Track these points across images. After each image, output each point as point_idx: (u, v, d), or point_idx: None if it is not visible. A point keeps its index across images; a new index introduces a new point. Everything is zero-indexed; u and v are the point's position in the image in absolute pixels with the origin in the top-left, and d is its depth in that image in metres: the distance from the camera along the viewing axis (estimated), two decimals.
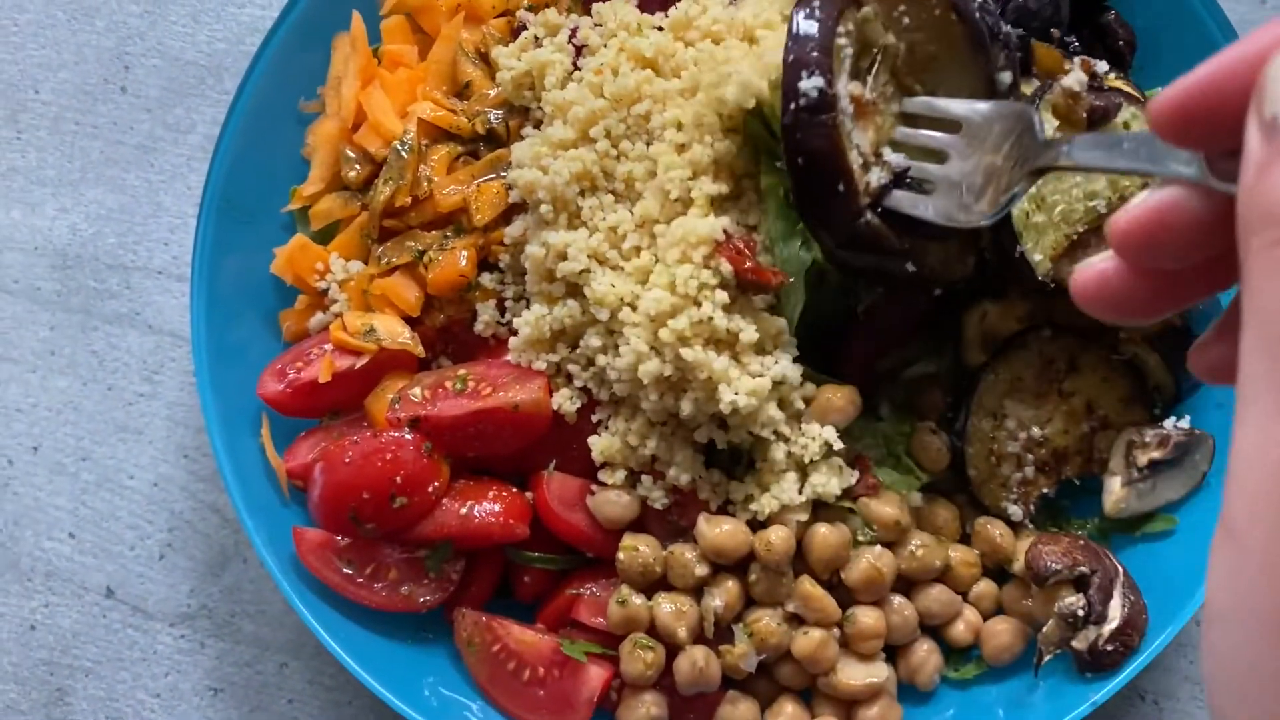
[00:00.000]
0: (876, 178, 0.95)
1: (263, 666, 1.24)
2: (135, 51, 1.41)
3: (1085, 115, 1.04)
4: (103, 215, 1.36)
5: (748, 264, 1.00)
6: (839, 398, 1.02)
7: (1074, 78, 1.03)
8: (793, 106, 0.93)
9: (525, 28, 1.16)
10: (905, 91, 1.00)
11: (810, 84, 0.92)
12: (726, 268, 0.99)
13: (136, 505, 1.28)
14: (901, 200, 0.94)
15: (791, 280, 1.01)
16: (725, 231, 1.00)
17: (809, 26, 0.94)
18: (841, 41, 0.94)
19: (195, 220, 1.27)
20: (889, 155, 0.96)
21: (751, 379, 1.00)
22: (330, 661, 1.22)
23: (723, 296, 0.99)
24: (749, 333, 1.00)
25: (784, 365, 1.03)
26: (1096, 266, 0.61)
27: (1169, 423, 1.06)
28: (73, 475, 1.29)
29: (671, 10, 1.10)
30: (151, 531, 1.28)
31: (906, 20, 0.98)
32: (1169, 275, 0.60)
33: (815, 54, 0.93)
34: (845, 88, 0.94)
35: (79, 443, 1.30)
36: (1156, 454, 1.04)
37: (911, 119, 0.98)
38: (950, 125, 0.93)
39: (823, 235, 0.97)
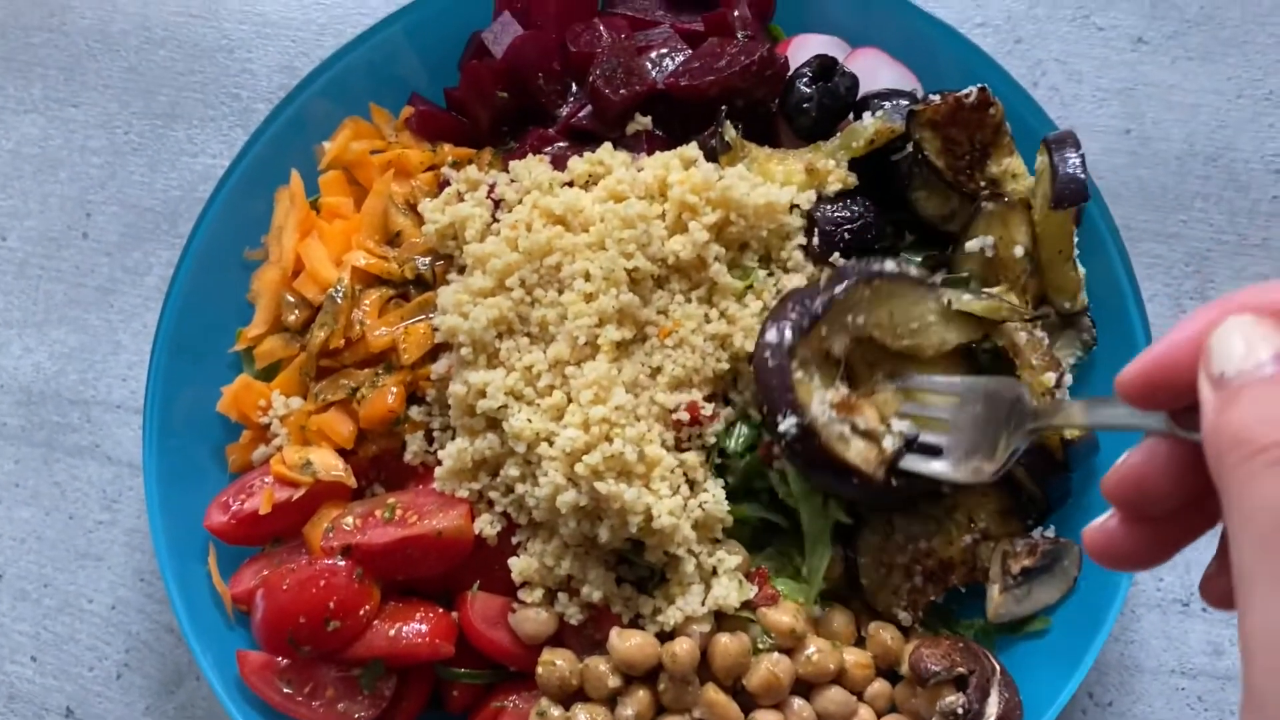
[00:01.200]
0: (890, 444, 1.07)
1: None
2: (96, 200, 1.51)
3: None
4: (65, 354, 1.45)
5: (698, 414, 1.13)
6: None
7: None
8: (783, 443, 1.06)
9: (449, 183, 1.27)
10: (894, 363, 1.12)
11: (788, 424, 1.05)
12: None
13: (95, 628, 1.35)
14: (914, 463, 1.05)
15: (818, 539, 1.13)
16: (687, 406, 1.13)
17: (769, 376, 1.06)
18: (799, 375, 1.06)
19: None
20: (897, 424, 1.07)
21: (668, 502, 1.10)
22: None
23: (640, 430, 1.10)
24: (667, 464, 1.11)
25: (717, 495, 1.13)
26: (1102, 526, 0.71)
27: (1037, 533, 1.15)
28: (35, 601, 1.37)
29: (581, 166, 1.22)
30: (110, 653, 1.35)
31: (860, 319, 1.09)
32: (1160, 524, 0.69)
33: (783, 396, 1.05)
34: (822, 406, 1.06)
35: (41, 569, 1.38)
36: (1028, 562, 1.14)
37: (911, 391, 1.10)
38: (948, 393, 1.05)
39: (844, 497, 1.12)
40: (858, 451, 1.07)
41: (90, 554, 1.37)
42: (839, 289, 1.08)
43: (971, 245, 1.16)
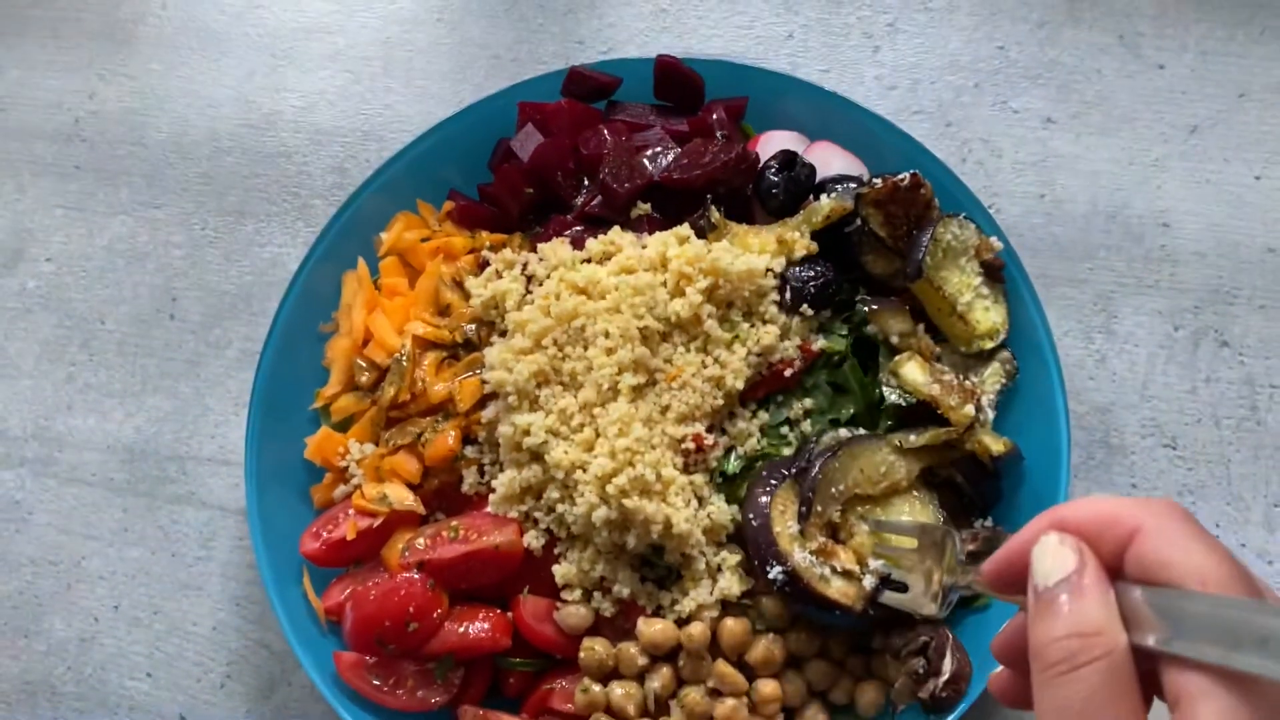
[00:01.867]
0: (869, 583, 1.29)
1: None
2: (180, 286, 1.77)
3: None
4: (160, 417, 1.71)
5: (702, 442, 1.39)
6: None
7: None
8: (776, 588, 1.30)
9: (488, 263, 1.54)
10: (869, 503, 1.36)
11: (776, 572, 1.29)
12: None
13: (200, 647, 1.59)
14: (889, 599, 1.25)
15: None
16: (693, 436, 1.39)
17: (756, 534, 1.31)
18: (779, 530, 1.30)
19: (237, 417, 1.64)
20: (873, 564, 1.30)
21: (683, 513, 1.36)
22: None
23: (656, 456, 1.36)
24: (682, 480, 1.37)
25: (720, 506, 1.39)
26: (998, 676, 0.86)
27: (978, 523, 1.43)
28: (147, 626, 1.61)
29: (596, 246, 1.49)
30: (213, 666, 1.59)
31: (841, 486, 1.33)
32: None
33: (769, 550, 1.30)
34: (803, 554, 1.30)
35: (151, 600, 1.62)
36: (972, 546, 1.40)
37: (882, 534, 1.31)
38: (908, 534, 1.23)
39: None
40: (838, 589, 1.30)
41: (192, 585, 1.62)
42: (816, 471, 1.32)
43: (871, 329, 1.43)
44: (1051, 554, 0.74)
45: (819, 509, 1.32)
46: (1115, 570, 0.74)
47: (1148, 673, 0.71)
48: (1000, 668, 0.87)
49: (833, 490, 1.33)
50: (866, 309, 1.43)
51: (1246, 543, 1.54)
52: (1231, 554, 0.71)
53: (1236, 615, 0.67)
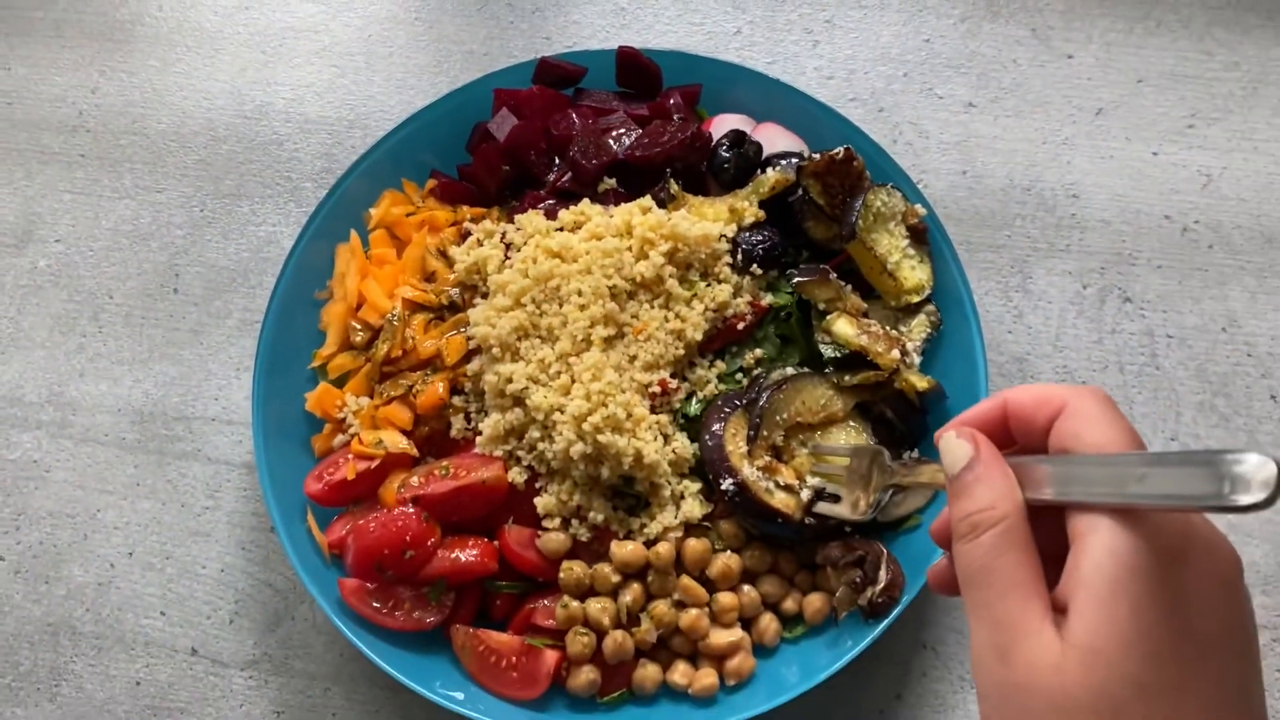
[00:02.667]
0: (805, 495, 1.47)
1: (312, 692, 1.67)
2: (183, 263, 1.92)
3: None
4: (167, 382, 1.85)
5: (667, 387, 1.56)
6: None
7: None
8: (728, 499, 1.48)
9: (470, 233, 1.70)
10: (809, 431, 1.53)
11: (728, 484, 1.47)
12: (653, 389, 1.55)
13: (209, 587, 1.74)
14: (821, 508, 1.43)
15: None
16: (659, 382, 1.55)
17: (711, 453, 1.48)
18: (730, 449, 1.48)
19: (238, 380, 1.80)
20: (810, 480, 1.48)
21: (653, 445, 1.53)
22: (361, 683, 1.67)
23: (626, 398, 1.53)
24: (650, 419, 1.54)
25: (683, 442, 1.56)
26: (936, 566, 0.99)
27: (906, 454, 1.62)
28: (159, 570, 1.75)
29: (568, 216, 1.66)
30: (221, 605, 1.73)
31: (785, 415, 1.50)
32: None
33: (723, 465, 1.47)
34: (751, 469, 1.47)
35: (163, 546, 1.76)
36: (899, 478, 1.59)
37: (819, 455, 1.50)
38: (842, 456, 1.39)
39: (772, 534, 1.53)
40: (780, 499, 1.48)
41: (200, 532, 1.76)
42: (763, 401, 1.50)
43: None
44: (954, 447, 0.88)
45: (765, 433, 1.50)
46: (1038, 442, 0.88)
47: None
48: (938, 559, 1.01)
49: (777, 418, 1.51)
50: (793, 281, 1.58)
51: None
52: (1135, 433, 0.83)
53: (1121, 464, 0.78)
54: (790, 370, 1.58)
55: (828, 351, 1.56)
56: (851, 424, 1.56)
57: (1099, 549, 0.77)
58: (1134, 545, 0.76)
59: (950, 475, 0.88)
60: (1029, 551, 0.82)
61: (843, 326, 1.55)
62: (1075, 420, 0.84)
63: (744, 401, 1.54)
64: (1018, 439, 0.92)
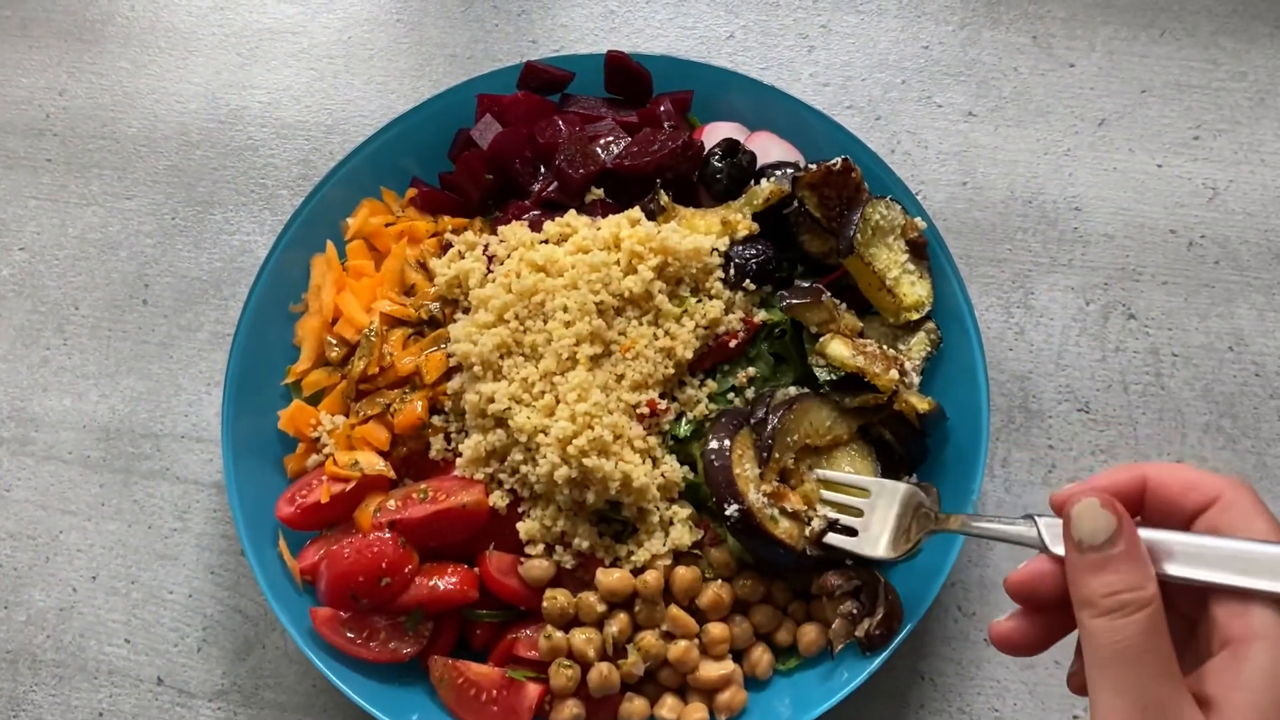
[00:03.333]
0: (817, 525, 1.41)
1: None
2: (152, 273, 1.84)
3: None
4: (135, 397, 1.78)
5: (656, 408, 1.49)
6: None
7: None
8: (729, 524, 1.42)
9: (451, 245, 1.64)
10: (815, 456, 1.47)
11: (732, 509, 1.40)
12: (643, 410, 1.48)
13: (176, 613, 1.66)
14: (834, 541, 1.39)
15: None
16: (648, 403, 1.49)
17: (716, 474, 1.41)
18: (738, 471, 1.41)
19: (209, 396, 1.72)
20: (821, 509, 1.42)
21: (642, 468, 1.46)
22: (336, 714, 1.59)
23: (614, 419, 1.46)
24: (639, 441, 1.48)
25: (672, 465, 1.50)
26: (1006, 622, 0.98)
27: (906, 478, 1.55)
28: (125, 595, 1.68)
29: (553, 228, 1.60)
30: (189, 631, 1.66)
31: (795, 437, 1.44)
32: (1048, 615, 0.96)
33: (728, 489, 1.40)
34: (757, 495, 1.41)
35: (128, 570, 1.69)
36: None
37: (831, 483, 1.45)
38: (861, 488, 1.40)
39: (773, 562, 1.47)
40: (784, 529, 1.42)
41: (168, 555, 1.69)
42: (775, 422, 1.43)
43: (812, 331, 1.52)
44: (1093, 516, 0.87)
45: (777, 456, 1.43)
46: (1178, 524, 0.90)
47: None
48: (1004, 617, 1.00)
49: (788, 440, 1.45)
50: (783, 305, 1.51)
51: None
52: None
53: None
54: (794, 390, 1.51)
55: (822, 375, 1.50)
56: (854, 448, 1.50)
57: (1267, 657, 0.79)
58: None
59: (1087, 544, 0.87)
60: (1168, 634, 0.84)
61: (837, 348, 1.49)
62: (1230, 513, 0.87)
63: (751, 421, 1.47)
64: (1149, 518, 0.93)
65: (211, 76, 1.95)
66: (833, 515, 1.42)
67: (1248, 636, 0.81)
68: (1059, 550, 0.96)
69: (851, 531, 1.40)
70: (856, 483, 1.43)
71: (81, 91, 1.95)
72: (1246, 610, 0.82)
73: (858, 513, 1.40)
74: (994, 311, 1.77)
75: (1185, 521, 0.90)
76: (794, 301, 1.50)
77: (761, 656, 1.49)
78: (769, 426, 1.45)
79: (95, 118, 1.93)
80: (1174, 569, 0.87)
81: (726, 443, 1.44)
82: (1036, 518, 1.01)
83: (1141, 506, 0.94)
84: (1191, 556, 0.86)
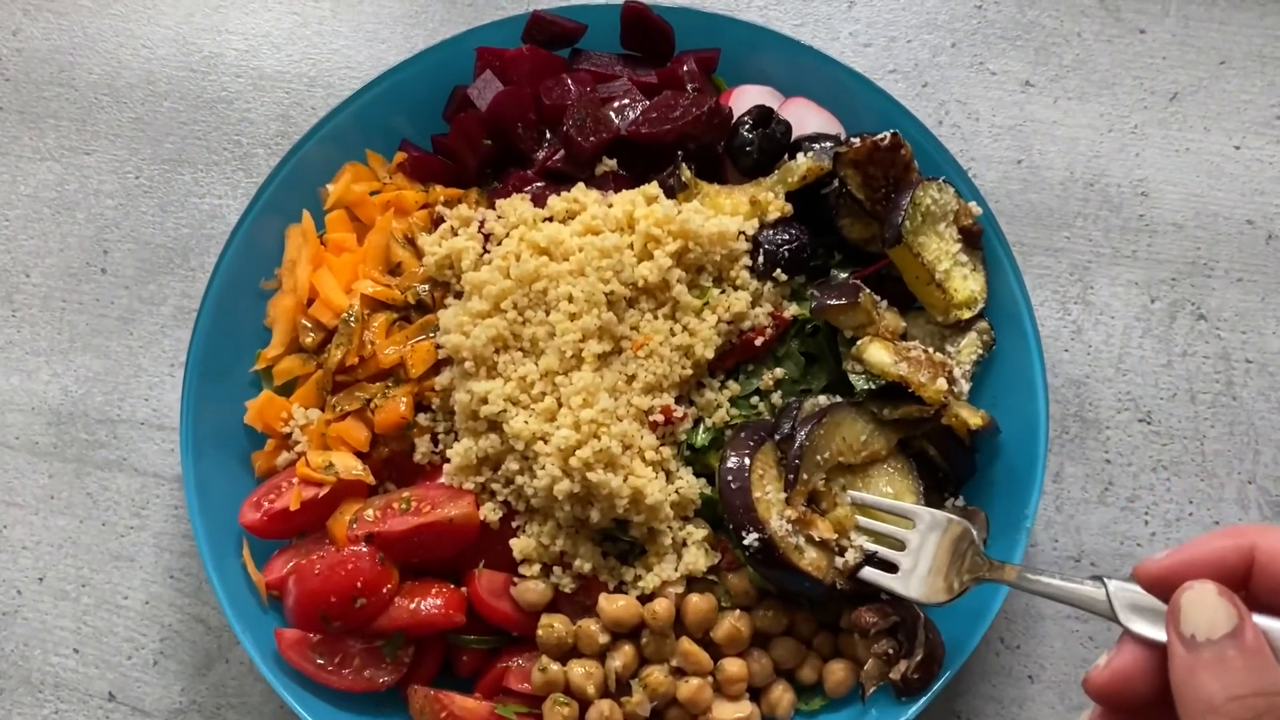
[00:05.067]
0: (852, 557, 1.24)
1: None
2: (112, 238, 1.66)
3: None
4: (90, 378, 1.60)
5: (671, 414, 1.33)
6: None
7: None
8: (747, 553, 1.25)
9: (443, 219, 1.45)
10: (849, 473, 1.31)
11: (752, 538, 1.23)
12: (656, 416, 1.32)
13: (131, 621, 1.51)
14: (870, 577, 1.23)
15: None
16: (662, 408, 1.32)
17: (733, 497, 1.25)
18: (758, 494, 1.24)
19: (172, 378, 1.55)
20: (857, 539, 1.26)
21: (656, 484, 1.29)
22: None
23: (623, 428, 1.29)
24: (650, 453, 1.31)
25: (688, 480, 1.33)
26: None
27: (949, 502, 1.38)
28: (74, 600, 1.52)
29: (559, 204, 1.42)
30: (145, 642, 1.50)
31: (826, 455, 1.28)
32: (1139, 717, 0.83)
33: (747, 515, 1.24)
34: (780, 521, 1.24)
35: (79, 571, 1.53)
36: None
37: (868, 509, 1.27)
38: (904, 517, 1.23)
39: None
40: (810, 560, 1.26)
41: (123, 556, 1.53)
42: (803, 438, 1.26)
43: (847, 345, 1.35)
44: (1211, 606, 0.76)
45: (805, 477, 1.26)
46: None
47: None
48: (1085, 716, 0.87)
49: (818, 458, 1.27)
50: (814, 307, 1.34)
51: (1220, 520, 1.51)
52: None
53: None
54: (825, 400, 1.34)
55: (859, 384, 1.32)
56: (893, 465, 1.32)
57: None
58: None
59: (1203, 639, 0.76)
60: None
61: (876, 353, 1.31)
62: None
63: (776, 436, 1.29)
64: (1258, 595, 0.80)
65: (183, 19, 1.76)
66: (870, 547, 1.25)
67: None
68: (1136, 626, 0.84)
69: (890, 566, 1.23)
70: (900, 510, 1.25)
71: (38, 32, 1.76)
72: None
73: (899, 545, 1.23)
74: (1049, 307, 1.59)
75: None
76: (828, 303, 1.32)
77: (782, 696, 1.33)
78: (796, 443, 1.27)
79: (52, 61, 1.74)
80: None
81: (746, 461, 1.27)
82: (1107, 581, 0.88)
83: (1248, 580, 0.81)
84: None
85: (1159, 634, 0.82)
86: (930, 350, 1.37)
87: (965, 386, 1.37)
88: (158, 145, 1.70)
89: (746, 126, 1.43)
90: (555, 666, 1.30)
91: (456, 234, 1.42)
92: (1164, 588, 0.82)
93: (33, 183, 1.69)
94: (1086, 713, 0.87)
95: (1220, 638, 0.75)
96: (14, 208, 1.68)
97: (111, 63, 1.74)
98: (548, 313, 1.34)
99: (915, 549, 1.22)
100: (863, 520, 1.27)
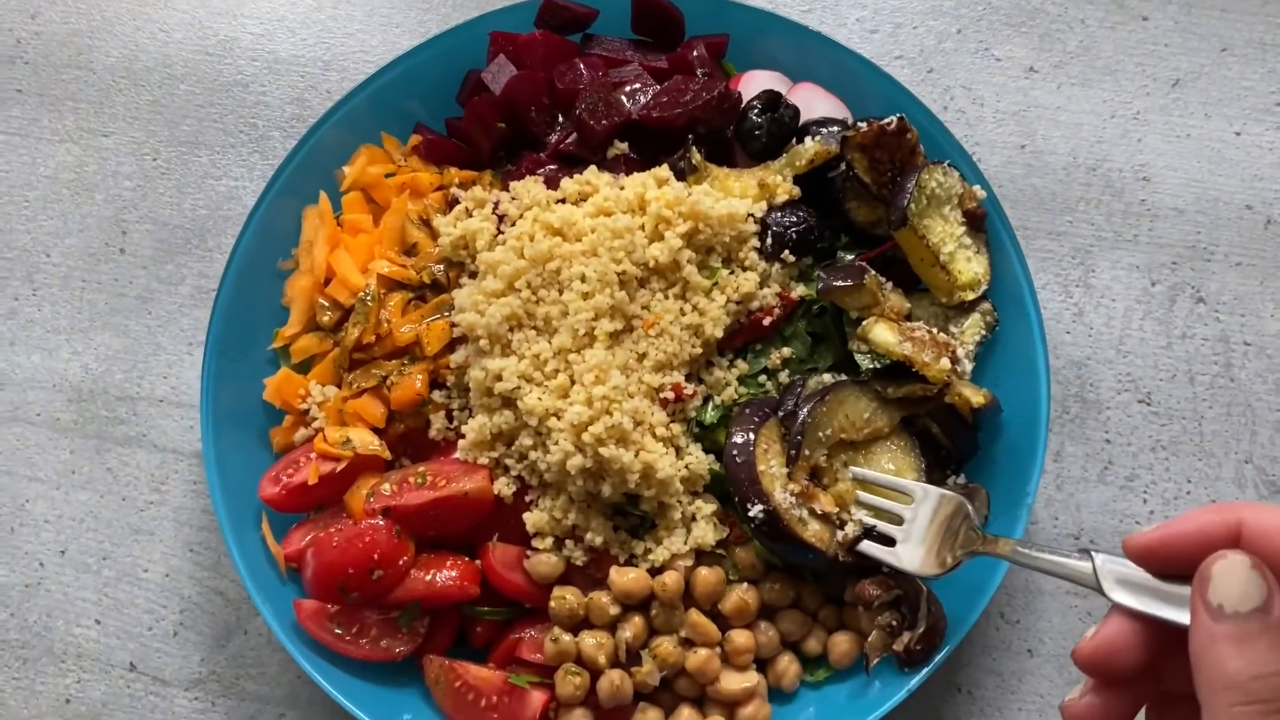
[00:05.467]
0: (851, 530, 1.28)
1: (264, 719, 1.50)
2: (131, 219, 1.69)
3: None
4: (110, 356, 1.63)
5: (681, 392, 1.35)
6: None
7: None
8: (752, 526, 1.28)
9: (458, 201, 1.48)
10: (851, 450, 1.33)
11: (756, 510, 1.26)
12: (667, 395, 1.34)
13: (152, 593, 1.54)
14: (868, 549, 1.26)
15: None
16: (672, 386, 1.35)
17: (739, 471, 1.28)
18: (762, 468, 1.27)
19: (190, 356, 1.58)
20: (857, 513, 1.29)
21: (667, 458, 1.32)
22: (320, 710, 1.48)
23: (634, 404, 1.32)
24: (661, 429, 1.34)
25: (698, 456, 1.36)
26: (1079, 700, 0.84)
27: (952, 479, 1.41)
28: (96, 572, 1.55)
29: (572, 186, 1.44)
30: (165, 614, 1.53)
31: (828, 431, 1.31)
32: (1129, 689, 0.83)
33: (752, 488, 1.27)
34: (784, 494, 1.27)
35: (100, 545, 1.56)
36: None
37: (868, 484, 1.30)
38: (902, 492, 1.26)
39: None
40: (814, 532, 1.29)
41: (143, 530, 1.56)
42: (805, 415, 1.30)
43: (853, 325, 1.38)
44: (1242, 578, 0.73)
45: (806, 453, 1.29)
46: None
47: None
48: (1077, 694, 0.86)
49: (820, 435, 1.30)
50: (820, 289, 1.37)
51: (1217, 499, 1.54)
52: None
53: None
54: (829, 377, 1.36)
55: (864, 363, 1.35)
56: (895, 443, 1.35)
57: None
58: None
59: (1230, 611, 0.73)
60: None
61: (881, 333, 1.34)
62: None
63: (780, 412, 1.32)
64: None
65: (199, 3, 1.78)
66: (869, 521, 1.29)
67: None
68: (1118, 597, 0.85)
69: (889, 540, 1.26)
70: (897, 485, 1.28)
71: (56, 15, 1.78)
72: None
73: (897, 519, 1.27)
74: (1051, 290, 1.61)
75: None
76: (834, 284, 1.35)
77: (789, 667, 1.36)
78: (798, 420, 1.30)
79: (71, 45, 1.76)
80: None
81: (751, 437, 1.30)
82: (1094, 554, 0.88)
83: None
84: None
85: (1144, 606, 0.82)
86: (934, 331, 1.39)
87: (968, 366, 1.40)
88: (175, 128, 1.72)
89: (755, 111, 1.45)
90: (567, 637, 1.33)
91: (471, 215, 1.45)
92: (1152, 560, 0.83)
93: (52, 164, 1.71)
94: (1081, 685, 0.87)
95: (1249, 611, 0.72)
96: (34, 189, 1.70)
97: (129, 46, 1.76)
98: (561, 292, 1.36)
99: (910, 523, 1.25)
100: (862, 495, 1.30)
